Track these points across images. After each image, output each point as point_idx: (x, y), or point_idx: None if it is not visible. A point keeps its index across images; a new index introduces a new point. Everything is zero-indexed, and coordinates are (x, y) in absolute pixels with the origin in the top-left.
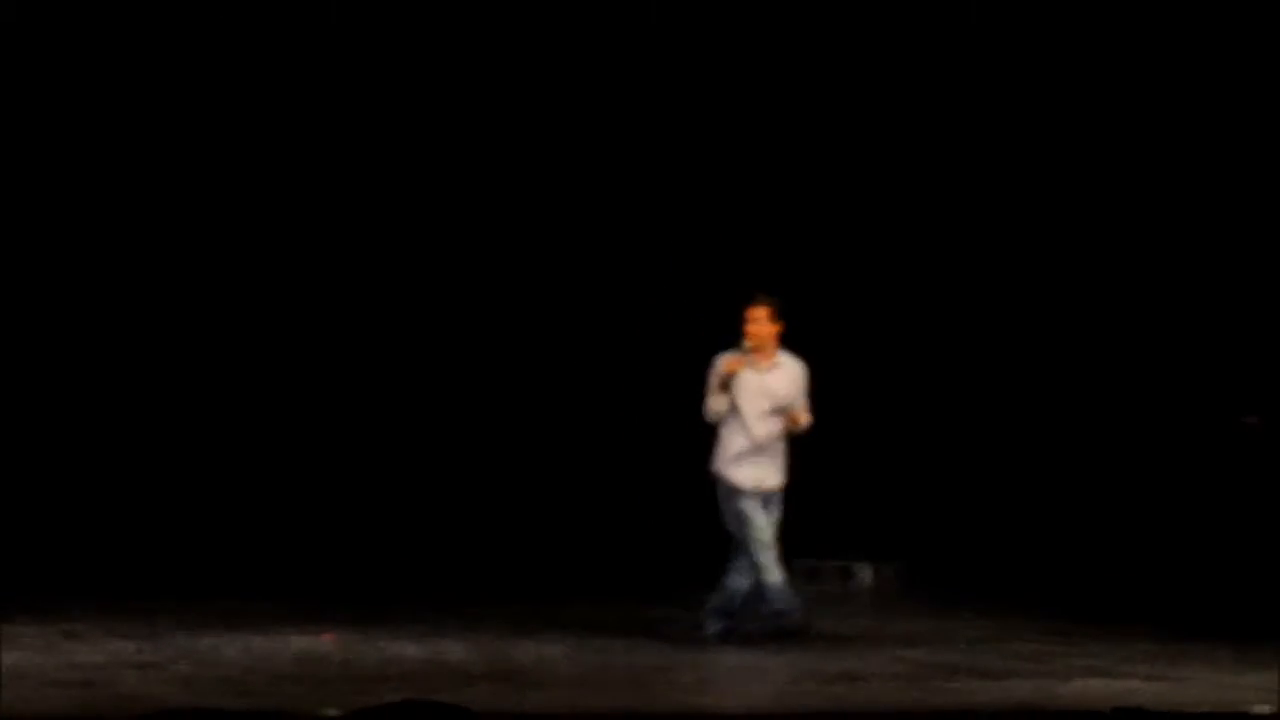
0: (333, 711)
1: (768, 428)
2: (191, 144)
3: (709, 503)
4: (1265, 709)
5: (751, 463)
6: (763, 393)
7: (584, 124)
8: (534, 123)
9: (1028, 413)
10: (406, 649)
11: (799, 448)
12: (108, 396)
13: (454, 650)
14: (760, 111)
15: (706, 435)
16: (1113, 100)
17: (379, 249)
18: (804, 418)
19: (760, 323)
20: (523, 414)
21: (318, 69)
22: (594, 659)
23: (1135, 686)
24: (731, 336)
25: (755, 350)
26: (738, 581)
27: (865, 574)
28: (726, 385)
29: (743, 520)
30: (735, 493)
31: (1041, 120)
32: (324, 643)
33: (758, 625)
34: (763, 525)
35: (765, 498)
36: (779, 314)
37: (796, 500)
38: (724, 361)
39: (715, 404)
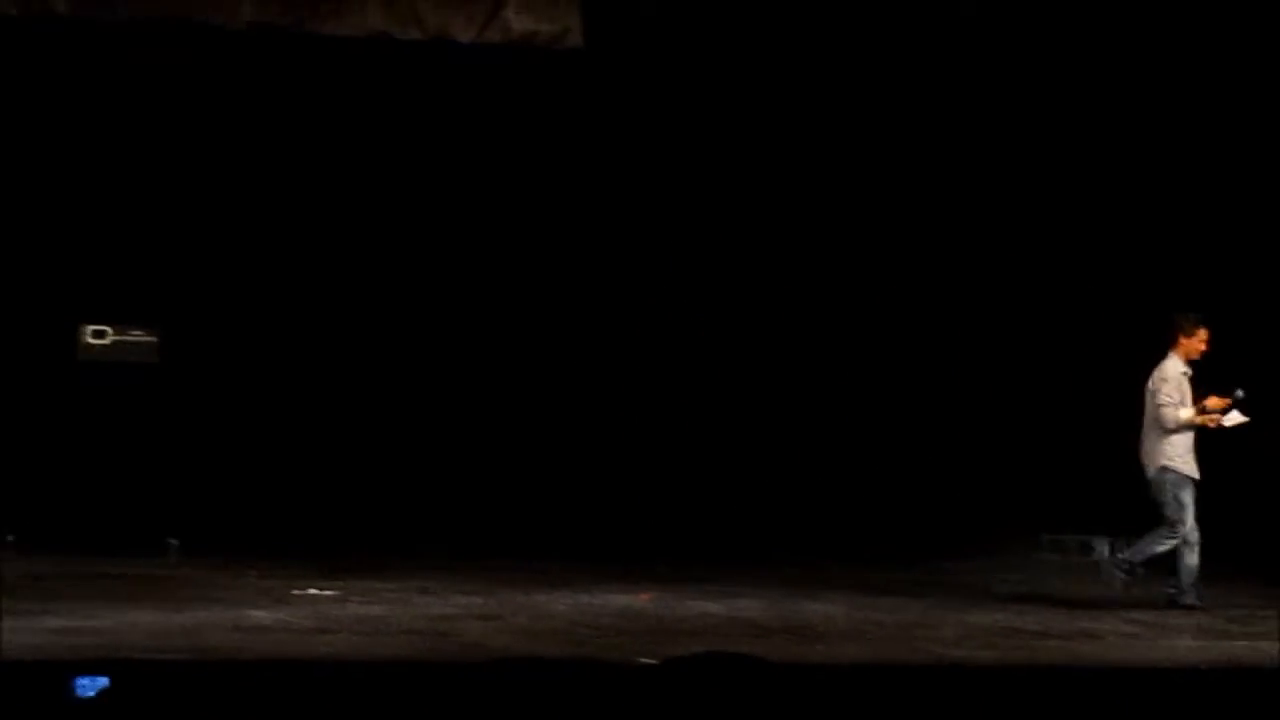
0: (649, 660)
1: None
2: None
3: (970, 475)
4: None
5: (1194, 457)
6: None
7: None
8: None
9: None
10: (709, 606)
11: (1049, 437)
12: (436, 375)
13: (750, 607)
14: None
15: (974, 411)
16: None
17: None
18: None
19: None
20: (814, 387)
21: None
22: (869, 615)
23: None
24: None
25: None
26: (1191, 559)
27: (1102, 546)
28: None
29: (1184, 507)
30: (1189, 483)
31: None
32: (641, 600)
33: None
34: (1192, 515)
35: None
36: None
37: (1046, 483)
38: (1209, 400)
39: (1190, 417)
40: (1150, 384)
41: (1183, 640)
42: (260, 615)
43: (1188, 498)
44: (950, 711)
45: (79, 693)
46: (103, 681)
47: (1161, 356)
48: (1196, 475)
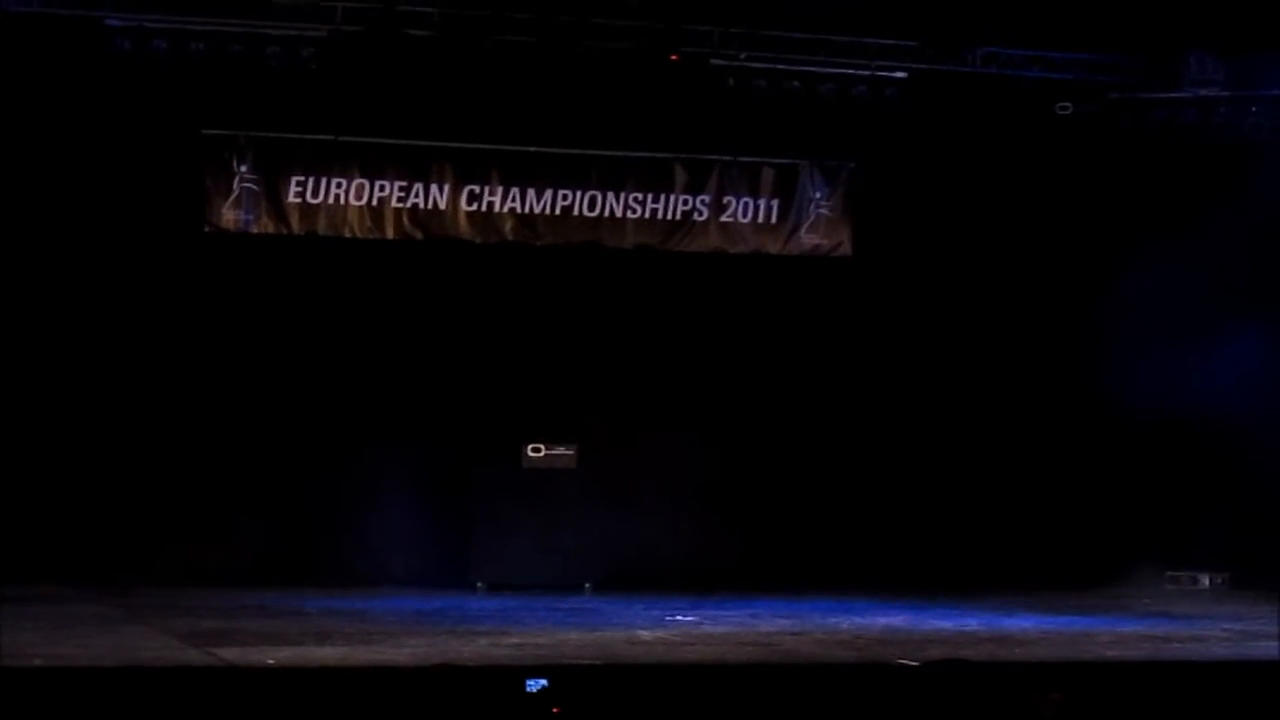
0: (909, 662)
1: None
2: None
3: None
4: None
5: None
6: None
7: None
8: None
9: None
10: (942, 623)
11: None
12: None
13: (968, 623)
14: None
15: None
16: None
17: None
18: None
19: None
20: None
21: None
22: (1049, 628)
23: None
24: None
25: None
26: None
27: (1204, 579)
28: None
29: None
30: None
31: None
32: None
33: None
34: None
35: None
36: None
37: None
38: None
39: None
40: None
41: (1258, 644)
42: (644, 634)
43: None
44: (1106, 695)
45: (528, 688)
46: (543, 682)
47: None
48: None
